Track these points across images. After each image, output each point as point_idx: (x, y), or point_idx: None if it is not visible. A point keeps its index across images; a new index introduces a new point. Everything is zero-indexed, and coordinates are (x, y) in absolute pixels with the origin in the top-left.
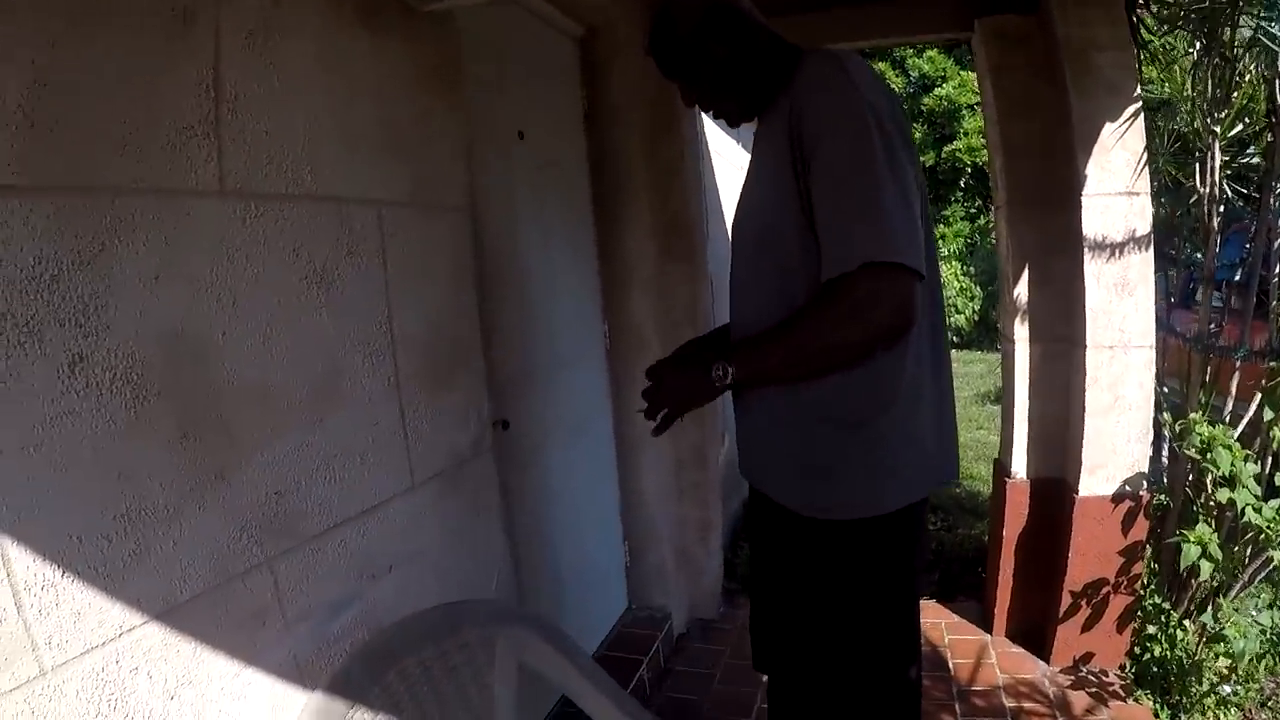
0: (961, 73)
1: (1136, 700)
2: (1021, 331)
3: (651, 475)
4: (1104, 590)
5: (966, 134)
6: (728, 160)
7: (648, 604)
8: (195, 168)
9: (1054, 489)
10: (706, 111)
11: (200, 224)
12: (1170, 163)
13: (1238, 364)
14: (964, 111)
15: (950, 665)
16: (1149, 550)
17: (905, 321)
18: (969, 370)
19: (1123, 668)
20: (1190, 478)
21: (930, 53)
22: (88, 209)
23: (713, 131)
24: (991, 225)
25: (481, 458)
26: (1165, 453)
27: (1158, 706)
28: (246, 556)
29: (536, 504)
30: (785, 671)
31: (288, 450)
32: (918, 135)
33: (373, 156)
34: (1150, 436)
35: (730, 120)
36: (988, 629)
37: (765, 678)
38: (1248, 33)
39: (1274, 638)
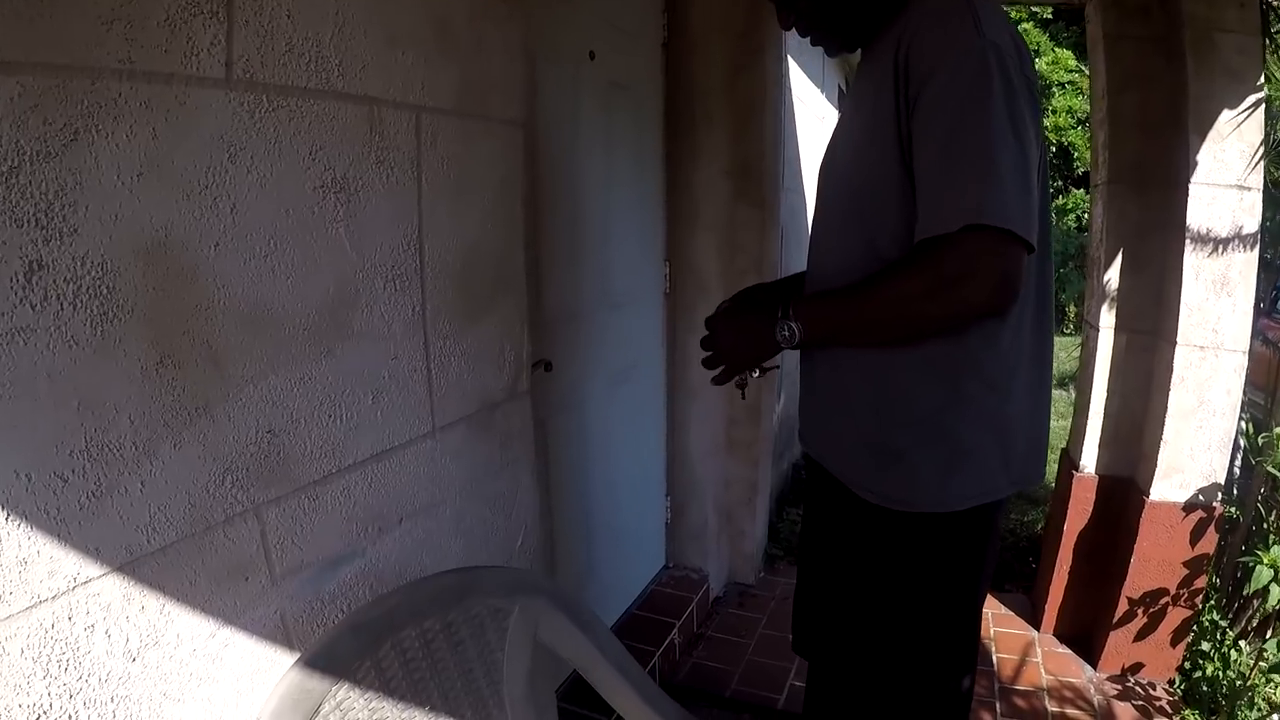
0: (1055, 49)
1: (1183, 718)
2: (1107, 318)
3: (701, 429)
4: (1163, 601)
5: (1054, 112)
6: (810, 110)
7: (685, 564)
8: (197, 51)
9: (1123, 489)
10: (805, 35)
11: (198, 116)
12: (1275, 164)
13: None
14: (1054, 89)
15: (994, 659)
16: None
17: (1005, 299)
18: None
19: (1171, 682)
20: (1263, 493)
21: (1025, 25)
22: (60, 92)
23: (797, 77)
24: (1070, 205)
25: (516, 401)
26: (1239, 464)
27: None
28: (230, 502)
29: (575, 452)
30: (829, 661)
31: (286, 384)
32: None
33: (415, 54)
34: (1230, 446)
35: (830, 48)
36: (1035, 625)
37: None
38: None
39: None
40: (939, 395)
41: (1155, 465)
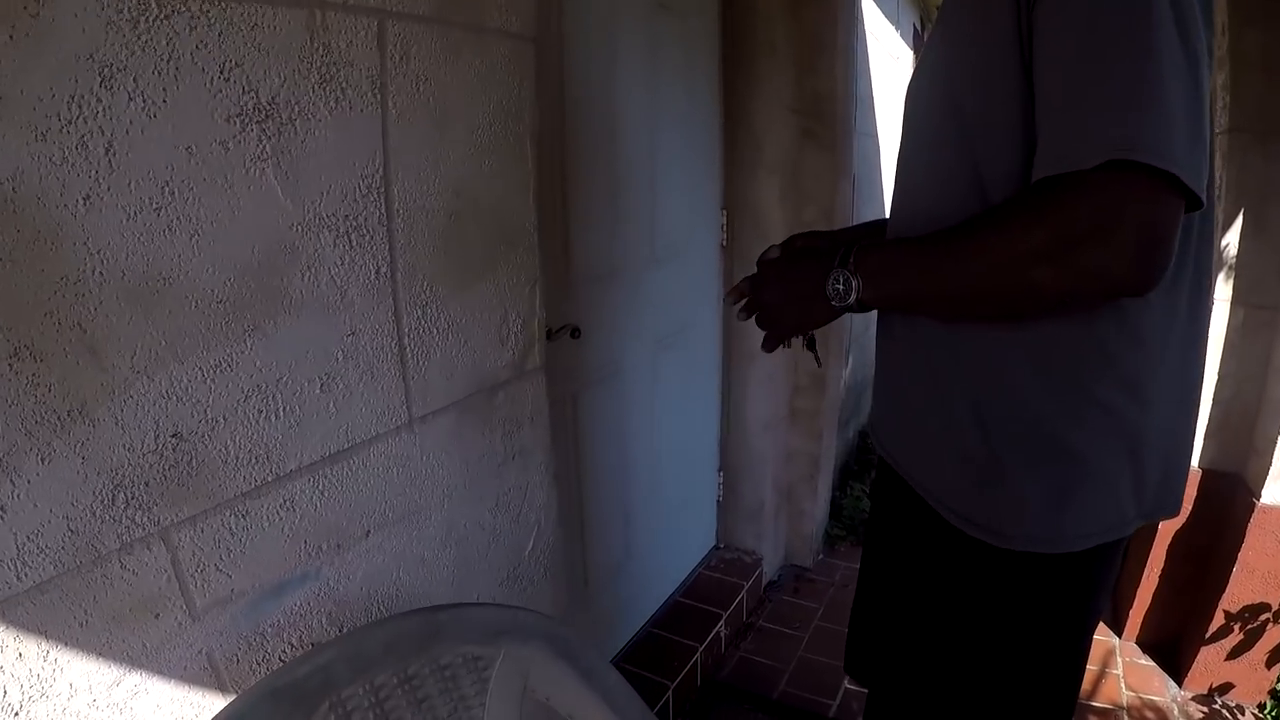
0: None
1: None
2: (1223, 290)
3: (760, 398)
4: (1263, 617)
5: None
6: (884, 47)
7: (737, 545)
8: None
9: (1229, 488)
10: None
11: (56, 30)
12: None
13: None
14: None
15: None
16: None
17: (1151, 271)
18: None
19: (1262, 707)
20: None
21: None
22: None
23: (869, 9)
24: None
25: (525, 381)
26: None
27: None
28: (125, 525)
29: (612, 428)
30: (894, 701)
31: (195, 374)
32: None
33: None
34: None
35: None
36: (1118, 631)
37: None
38: None
39: None
40: (1060, 398)
41: (1269, 464)
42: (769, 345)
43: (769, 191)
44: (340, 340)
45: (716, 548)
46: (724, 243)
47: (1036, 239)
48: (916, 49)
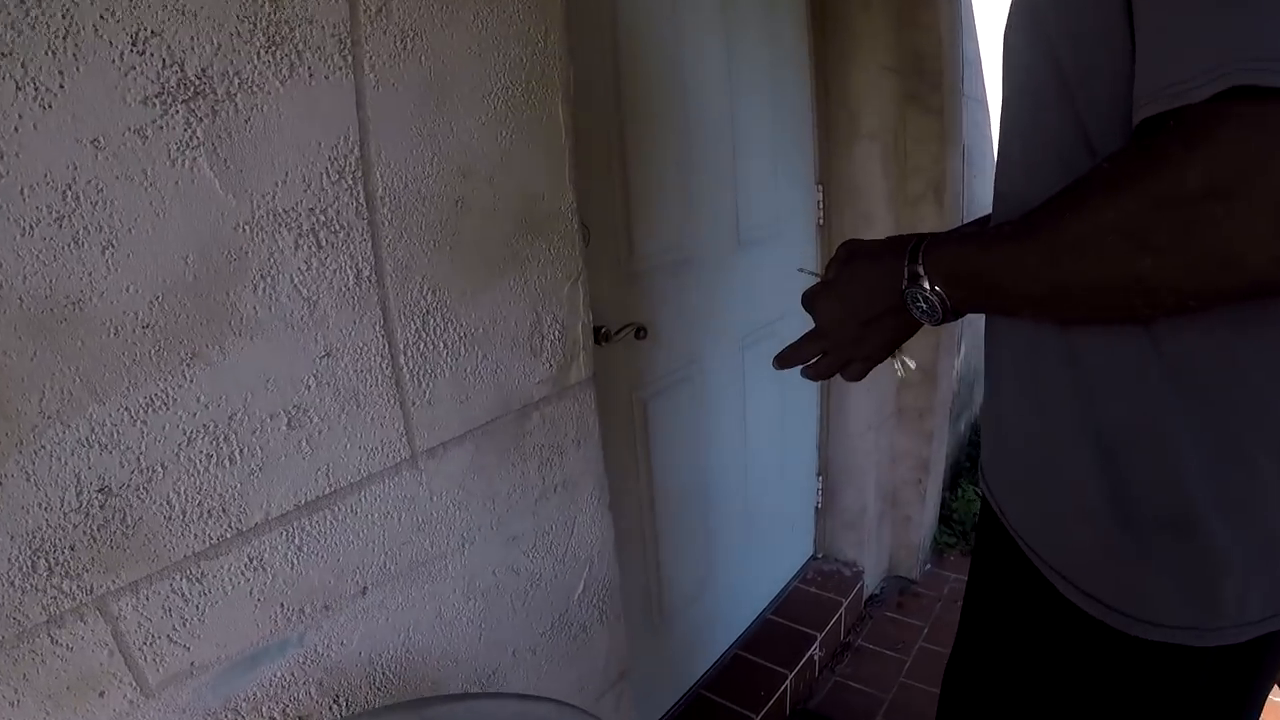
0: None
1: None
2: None
3: (864, 397)
4: None
5: None
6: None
7: (837, 556)
8: None
9: None
10: None
11: None
12: None
13: None
14: None
15: None
16: None
17: None
18: None
19: None
20: None
21: None
22: None
23: None
24: None
25: (568, 398)
26: None
27: None
28: (52, 595)
29: (689, 435)
30: None
31: (119, 415)
32: None
33: None
34: None
35: None
36: None
37: None
38: None
39: None
40: (1210, 448)
41: None
42: (822, 369)
43: (868, 160)
44: (311, 364)
45: (814, 558)
46: (819, 221)
47: (1126, 210)
48: None
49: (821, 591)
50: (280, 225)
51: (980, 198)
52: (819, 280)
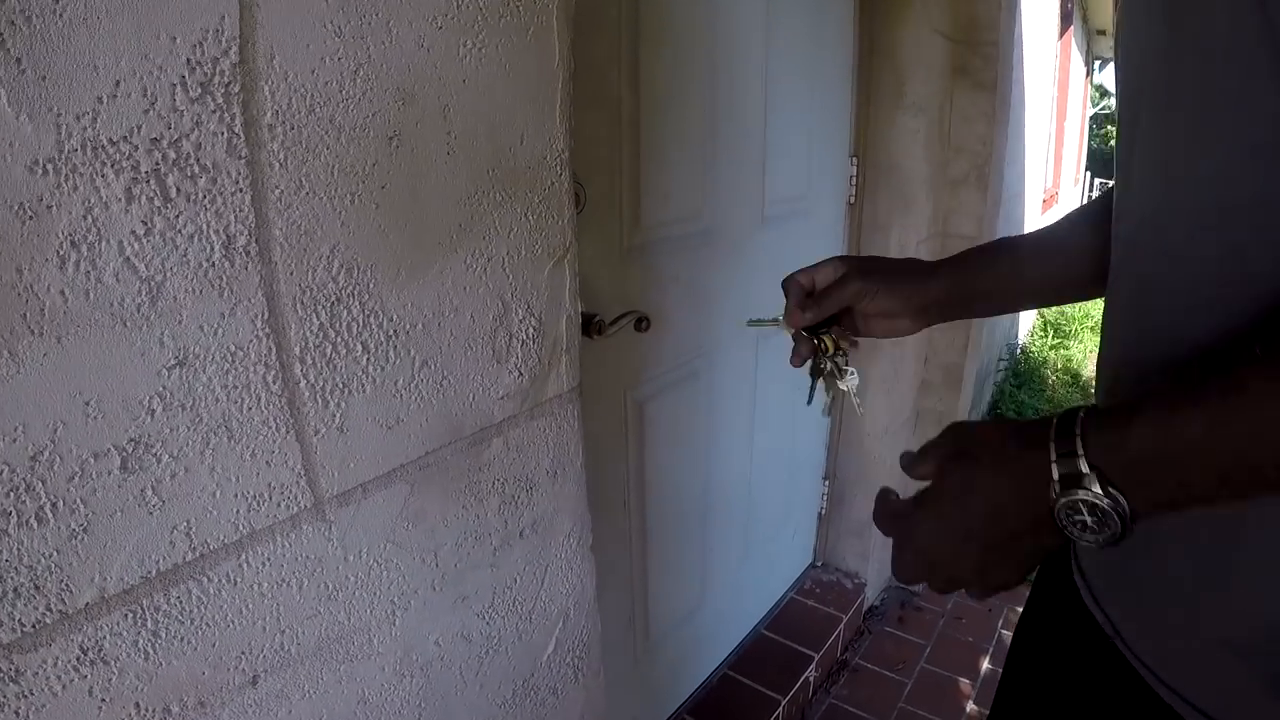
0: None
1: None
2: None
3: (882, 397)
4: None
5: None
6: None
7: (838, 565)
8: None
9: None
10: None
11: None
12: None
13: None
14: None
15: None
16: None
17: None
18: None
19: None
20: None
21: None
22: None
23: None
24: None
25: (542, 417)
26: None
27: None
28: None
29: (687, 434)
30: None
31: None
32: None
33: None
34: None
35: None
36: None
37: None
38: None
39: None
40: None
41: None
42: (977, 599)
43: (911, 138)
44: (154, 378)
45: (814, 566)
46: (851, 199)
47: None
48: None
49: (820, 605)
50: (105, 165)
51: (1009, 190)
52: (897, 498)
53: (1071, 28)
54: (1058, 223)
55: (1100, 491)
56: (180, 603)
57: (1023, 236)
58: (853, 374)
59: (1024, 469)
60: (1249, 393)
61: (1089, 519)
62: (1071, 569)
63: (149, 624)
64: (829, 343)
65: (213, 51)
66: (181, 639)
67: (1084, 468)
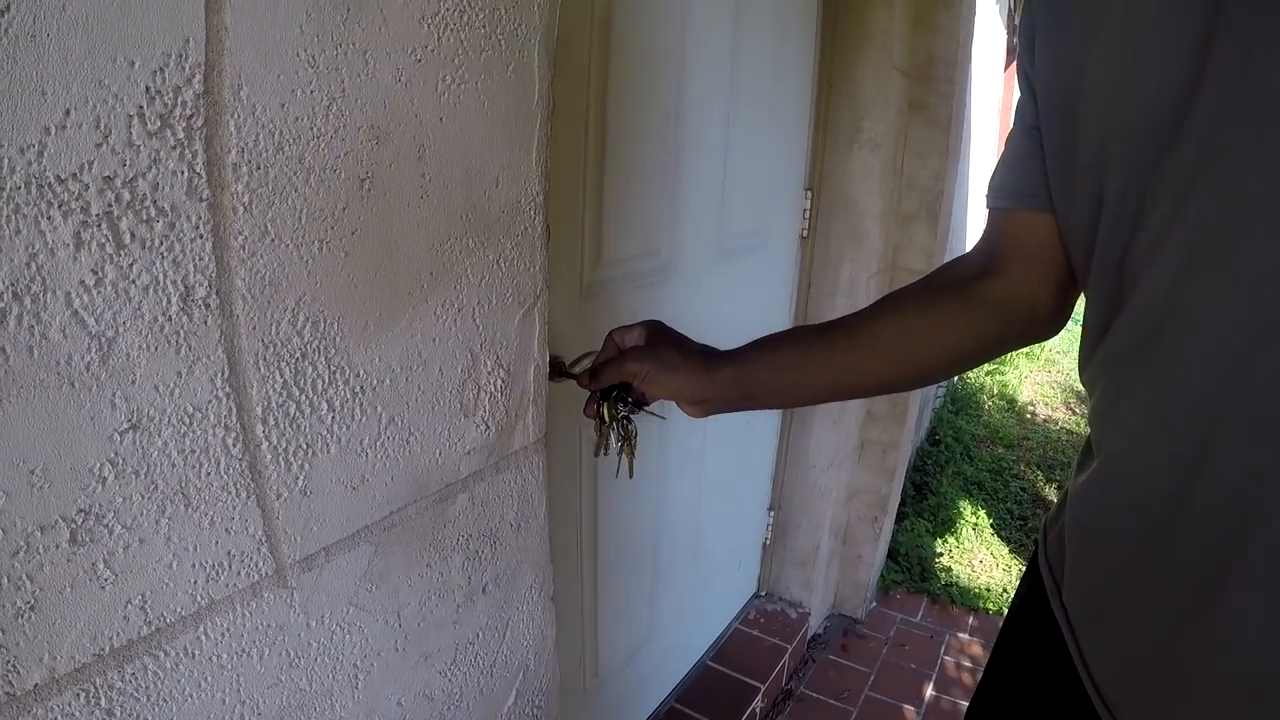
0: None
1: None
2: None
3: (828, 428)
4: None
5: None
6: (986, 16)
7: (782, 594)
8: None
9: None
10: None
11: None
12: None
13: None
14: None
15: None
16: None
17: None
18: None
19: None
20: None
21: None
22: None
23: None
24: None
25: (509, 470)
26: None
27: None
28: None
29: (644, 476)
30: None
31: None
32: None
33: None
34: None
35: None
36: None
37: None
38: None
39: None
40: None
41: None
42: None
43: (866, 172)
44: (105, 443)
45: (758, 596)
46: (804, 233)
47: None
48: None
49: (764, 635)
50: (51, 206)
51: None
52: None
53: (1015, 61)
54: (865, 313)
55: None
56: (135, 679)
57: (824, 327)
58: (631, 438)
59: None
60: None
61: None
62: (1050, 605)
63: (103, 703)
64: (606, 413)
65: (175, 79)
66: (137, 716)
67: None
